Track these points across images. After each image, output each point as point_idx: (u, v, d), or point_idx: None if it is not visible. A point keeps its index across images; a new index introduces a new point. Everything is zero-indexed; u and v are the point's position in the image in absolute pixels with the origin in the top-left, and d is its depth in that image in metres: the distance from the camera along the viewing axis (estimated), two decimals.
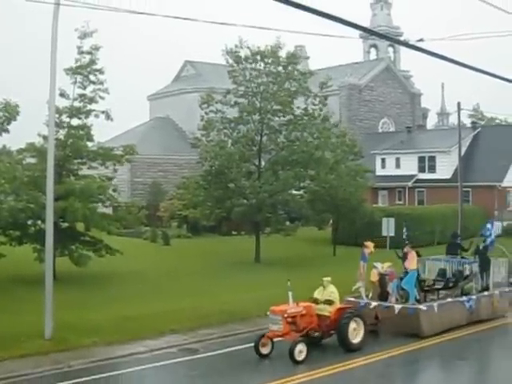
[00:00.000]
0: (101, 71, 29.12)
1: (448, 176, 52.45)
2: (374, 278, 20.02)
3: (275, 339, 16.55)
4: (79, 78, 28.92)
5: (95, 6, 13.63)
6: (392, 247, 30.96)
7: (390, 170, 57.79)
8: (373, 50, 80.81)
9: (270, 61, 36.35)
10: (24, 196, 27.01)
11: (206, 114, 37.19)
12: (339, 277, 20.14)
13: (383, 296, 19.71)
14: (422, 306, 18.84)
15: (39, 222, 27.32)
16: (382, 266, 19.92)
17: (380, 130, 71.50)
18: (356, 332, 17.13)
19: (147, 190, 60.17)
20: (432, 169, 55.26)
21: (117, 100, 34.32)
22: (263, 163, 37.35)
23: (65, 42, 22.35)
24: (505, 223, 50.53)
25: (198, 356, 16.97)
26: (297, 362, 15.72)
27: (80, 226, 29.93)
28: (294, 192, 38.13)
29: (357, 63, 74.97)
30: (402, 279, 19.63)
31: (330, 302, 17.27)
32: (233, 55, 36.48)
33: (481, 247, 22.36)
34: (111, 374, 15.54)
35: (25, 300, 22.42)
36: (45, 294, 17.91)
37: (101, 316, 20.18)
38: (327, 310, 17.22)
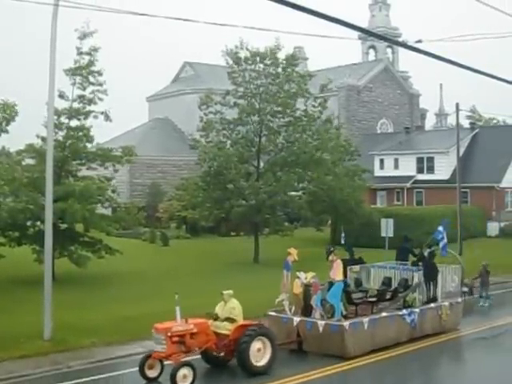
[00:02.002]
0: (100, 72, 29.19)
1: (446, 177, 52.52)
2: (297, 289, 17.72)
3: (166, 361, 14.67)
4: (78, 79, 28.99)
5: (96, 7, 13.69)
6: (391, 248, 30.99)
7: (389, 170, 57.85)
8: (371, 51, 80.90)
9: (269, 62, 36.45)
10: (23, 197, 27.08)
11: (205, 115, 37.28)
12: None
13: (307, 310, 17.48)
14: (346, 323, 16.59)
15: (38, 222, 27.38)
16: (306, 276, 17.65)
17: (378, 131, 71.57)
18: (261, 353, 14.99)
19: (146, 191, 60.21)
20: (430, 169, 55.32)
21: (116, 101, 34.36)
22: (262, 164, 37.43)
23: (64, 43, 22.40)
24: (502, 224, 50.68)
25: (196, 357, 16.96)
26: None
27: (79, 227, 29.98)
28: (293, 193, 38.22)
29: (355, 64, 75.04)
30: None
31: (230, 320, 15.25)
32: (233, 56, 36.56)
33: (426, 253, 19.98)
34: (110, 374, 15.59)
35: (24, 301, 22.44)
36: (44, 294, 17.95)
37: (100, 316, 20.21)
38: (226, 328, 15.18)
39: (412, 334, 18.22)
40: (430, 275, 19.39)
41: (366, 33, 29.83)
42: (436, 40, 18.77)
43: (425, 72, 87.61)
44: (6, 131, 26.79)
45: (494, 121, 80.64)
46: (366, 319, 17.13)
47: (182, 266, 33.08)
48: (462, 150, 46.48)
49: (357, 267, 20.60)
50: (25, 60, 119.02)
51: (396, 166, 57.78)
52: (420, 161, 56.26)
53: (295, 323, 17.10)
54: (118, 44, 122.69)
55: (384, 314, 17.82)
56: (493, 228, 50.76)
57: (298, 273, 17.74)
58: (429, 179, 54.76)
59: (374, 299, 18.80)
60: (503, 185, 51.61)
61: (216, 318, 15.41)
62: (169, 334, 14.33)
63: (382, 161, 58.94)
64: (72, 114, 29.15)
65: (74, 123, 29.42)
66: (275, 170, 36.61)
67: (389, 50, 79.45)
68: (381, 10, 79.39)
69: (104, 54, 29.78)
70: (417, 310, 18.55)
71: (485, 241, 47.29)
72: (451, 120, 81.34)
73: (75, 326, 18.62)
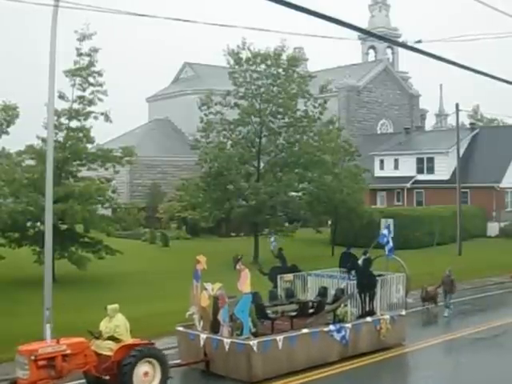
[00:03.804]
0: (100, 73, 29.23)
1: (446, 177, 52.54)
2: (205, 302, 15.77)
3: None
4: (78, 80, 29.03)
5: (96, 8, 13.69)
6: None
7: (389, 171, 57.86)
8: (371, 52, 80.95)
9: (270, 63, 36.47)
10: (23, 198, 27.10)
11: (206, 115, 37.29)
12: None
13: (216, 326, 15.48)
14: (254, 341, 14.49)
15: (38, 223, 27.42)
16: (213, 288, 15.66)
17: (378, 132, 71.60)
18: (149, 377, 13.35)
19: (146, 191, 60.25)
20: (430, 170, 55.33)
21: (116, 102, 34.41)
22: (262, 165, 37.45)
23: (64, 44, 22.40)
24: (502, 224, 50.70)
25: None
26: None
27: (79, 228, 30.01)
28: (293, 193, 38.25)
29: (355, 65, 75.09)
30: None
31: (114, 339, 13.59)
32: (235, 56, 36.58)
33: (360, 261, 17.82)
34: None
35: (24, 302, 22.46)
36: (44, 295, 17.93)
37: (100, 317, 20.13)
38: (108, 348, 13.44)
39: (344, 352, 16.20)
40: (366, 285, 17.23)
41: (365, 33, 29.96)
42: (436, 40, 18.82)
43: (425, 72, 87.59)
44: (7, 133, 26.82)
45: (496, 122, 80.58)
46: (280, 337, 15.04)
47: (182, 267, 32.97)
48: (462, 151, 46.51)
49: (289, 276, 18.72)
50: (24, 61, 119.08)
51: (396, 167, 57.79)
52: (420, 161, 56.27)
53: (202, 340, 15.31)
54: (118, 44, 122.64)
55: (305, 330, 15.66)
56: (493, 228, 50.77)
57: (205, 284, 15.83)
58: (429, 179, 54.76)
59: (294, 313, 16.69)
60: (503, 185, 51.61)
61: (99, 337, 13.67)
62: (32, 358, 12.39)
63: (382, 161, 58.95)
64: (72, 114, 29.21)
65: (74, 124, 29.51)
66: (275, 170, 36.65)
67: (389, 51, 79.49)
68: (380, 10, 79.41)
69: (104, 54, 29.85)
70: (348, 325, 16.46)
71: (485, 241, 47.32)
72: (451, 120, 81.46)
73: (75, 327, 18.52)
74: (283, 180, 35.65)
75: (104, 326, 13.92)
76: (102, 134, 34.75)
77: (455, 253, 39.01)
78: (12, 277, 28.17)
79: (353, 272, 17.39)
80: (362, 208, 41.02)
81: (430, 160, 55.52)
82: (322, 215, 40.87)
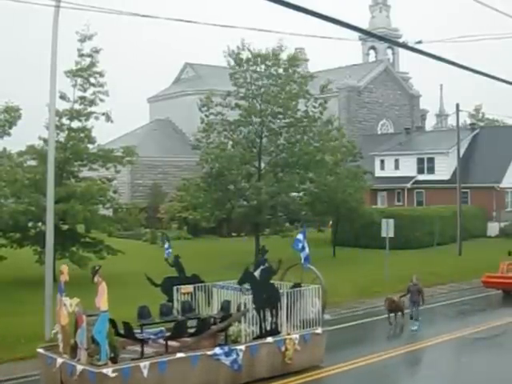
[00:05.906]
0: (101, 74, 29.29)
1: (447, 177, 52.60)
2: (64, 320, 13.54)
3: None
4: (79, 80, 29.11)
5: (100, 9, 13.73)
6: (391, 248, 30.98)
7: (389, 171, 57.90)
8: (372, 52, 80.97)
9: (270, 63, 36.50)
10: (25, 199, 27.17)
11: (207, 116, 37.31)
12: (336, 278, 19.26)
13: (77, 348, 13.30)
14: (108, 369, 12.32)
15: (40, 224, 27.48)
16: (71, 303, 13.45)
17: (379, 132, 71.64)
18: None
19: (147, 191, 60.32)
20: (431, 170, 55.37)
21: (117, 102, 34.47)
22: (263, 165, 37.48)
23: (66, 44, 22.47)
24: (502, 224, 50.75)
25: None
26: None
27: (80, 228, 30.06)
28: (294, 194, 38.27)
29: (356, 65, 75.15)
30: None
31: None
32: (235, 57, 36.60)
33: (258, 271, 15.49)
34: None
35: (25, 302, 22.50)
36: (45, 295, 17.99)
37: None
38: None
39: (235, 378, 14.01)
40: (266, 300, 14.92)
41: (366, 34, 29.96)
42: (436, 41, 18.88)
43: (425, 73, 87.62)
44: (9, 134, 26.90)
45: (497, 123, 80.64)
46: (145, 363, 12.87)
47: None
48: (462, 151, 46.53)
49: (189, 287, 16.55)
50: (27, 61, 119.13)
51: (396, 167, 57.84)
52: (420, 161, 56.31)
53: (58, 365, 13.13)
54: (119, 45, 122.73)
55: (180, 354, 13.41)
56: (493, 228, 50.81)
57: (64, 298, 13.61)
58: (429, 179, 54.81)
59: (169, 334, 14.59)
60: (503, 185, 51.65)
61: None
62: None
63: (382, 161, 58.99)
64: (73, 115, 29.28)
65: (75, 124, 29.58)
66: (276, 170, 36.69)
67: (389, 51, 79.52)
68: (381, 11, 79.42)
69: (105, 55, 29.91)
70: (241, 347, 14.19)
71: (485, 241, 47.35)
72: (451, 120, 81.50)
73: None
74: (284, 180, 35.71)
75: None
76: (104, 134, 34.85)
77: (455, 253, 39.04)
78: (13, 277, 28.21)
79: (246, 285, 15.06)
80: (363, 208, 41.07)
81: (431, 160, 55.56)
82: (323, 215, 40.87)
